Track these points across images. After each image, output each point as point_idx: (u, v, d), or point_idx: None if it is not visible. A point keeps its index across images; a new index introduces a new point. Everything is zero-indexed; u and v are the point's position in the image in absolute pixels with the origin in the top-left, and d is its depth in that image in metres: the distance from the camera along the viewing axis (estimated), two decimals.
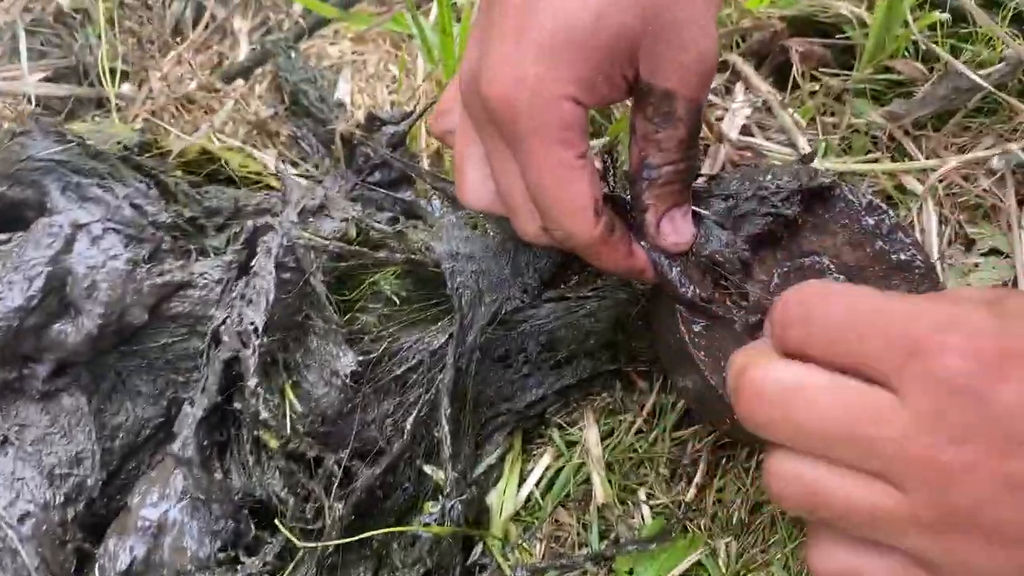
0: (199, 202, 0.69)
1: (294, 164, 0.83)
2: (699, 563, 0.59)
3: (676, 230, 0.52)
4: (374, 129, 0.76)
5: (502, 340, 0.67)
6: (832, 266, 0.54)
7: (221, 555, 0.61)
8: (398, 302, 0.64)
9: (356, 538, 0.57)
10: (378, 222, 0.67)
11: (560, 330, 0.67)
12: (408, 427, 0.62)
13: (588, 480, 0.66)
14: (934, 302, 0.35)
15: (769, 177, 0.55)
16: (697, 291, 0.51)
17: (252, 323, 0.56)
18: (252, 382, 0.55)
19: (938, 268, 0.66)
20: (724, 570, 0.59)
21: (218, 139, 0.83)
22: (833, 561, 0.38)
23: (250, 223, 0.64)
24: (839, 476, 0.35)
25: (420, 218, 0.70)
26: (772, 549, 0.58)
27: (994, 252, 0.70)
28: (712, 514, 0.63)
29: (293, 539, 0.57)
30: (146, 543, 0.61)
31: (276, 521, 0.58)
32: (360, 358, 0.59)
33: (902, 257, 0.54)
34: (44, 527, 0.60)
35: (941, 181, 0.72)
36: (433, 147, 0.80)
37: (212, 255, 0.67)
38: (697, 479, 0.64)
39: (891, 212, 0.55)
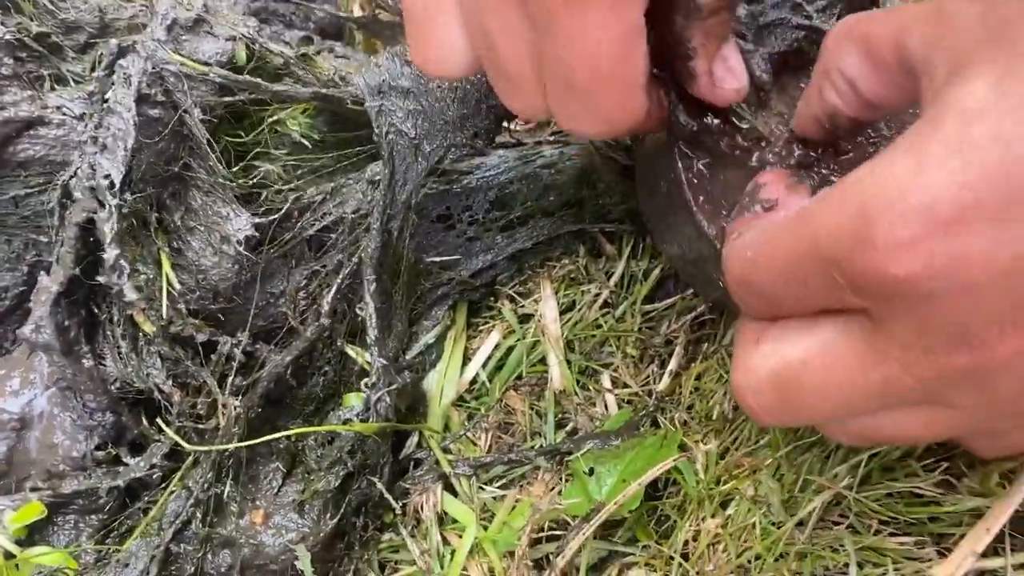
0: (52, 14, 0.54)
1: None
2: (674, 468, 0.49)
3: (732, 70, 0.40)
4: None
5: (443, 196, 0.55)
6: None
7: (100, 454, 0.51)
8: (309, 146, 0.50)
9: (254, 442, 0.46)
10: (287, 43, 0.53)
11: (513, 184, 0.55)
12: (326, 303, 0.51)
13: (544, 361, 0.56)
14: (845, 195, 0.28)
15: None
16: (700, 121, 0.39)
17: (107, 175, 0.43)
18: (111, 253, 0.43)
19: None
20: (703, 475, 0.49)
21: None
22: None
23: (114, 42, 0.50)
24: (883, 419, 0.32)
25: (340, 39, 0.55)
26: (761, 453, 0.48)
27: None
28: (688, 406, 0.53)
29: (181, 441, 0.46)
30: (7, 440, 0.51)
31: (158, 420, 0.47)
32: (258, 220, 0.47)
33: None
34: None
35: None
36: None
37: (72, 84, 0.53)
38: (672, 364, 0.54)
39: None
